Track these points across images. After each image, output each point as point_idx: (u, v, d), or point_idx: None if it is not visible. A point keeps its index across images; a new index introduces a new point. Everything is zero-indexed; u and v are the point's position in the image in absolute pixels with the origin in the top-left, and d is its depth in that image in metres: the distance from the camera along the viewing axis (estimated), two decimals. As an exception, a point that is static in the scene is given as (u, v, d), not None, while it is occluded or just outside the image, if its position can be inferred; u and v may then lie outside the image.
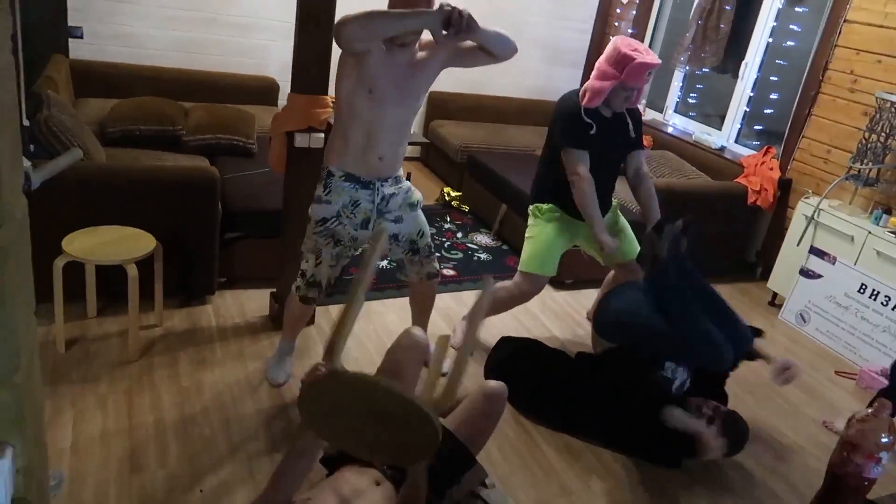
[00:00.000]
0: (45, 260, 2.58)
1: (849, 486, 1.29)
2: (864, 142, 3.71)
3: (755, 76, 4.72)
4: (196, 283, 3.14)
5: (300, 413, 1.53)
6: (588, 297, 3.82)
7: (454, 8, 2.12)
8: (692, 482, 2.55)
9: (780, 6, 4.53)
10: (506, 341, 2.93)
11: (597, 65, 2.78)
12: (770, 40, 4.62)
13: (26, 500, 0.96)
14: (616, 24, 5.78)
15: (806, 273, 3.85)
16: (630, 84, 2.70)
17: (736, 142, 4.88)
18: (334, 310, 3.25)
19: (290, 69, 2.69)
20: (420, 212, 2.65)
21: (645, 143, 5.20)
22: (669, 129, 5.24)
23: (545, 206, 2.94)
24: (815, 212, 3.88)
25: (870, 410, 1.27)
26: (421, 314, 2.91)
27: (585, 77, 6.06)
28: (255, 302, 3.25)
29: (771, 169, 4.33)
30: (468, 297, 3.71)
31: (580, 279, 3.91)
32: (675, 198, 4.06)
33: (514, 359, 2.86)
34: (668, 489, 2.50)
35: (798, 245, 3.99)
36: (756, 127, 4.87)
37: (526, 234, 3.00)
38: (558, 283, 3.94)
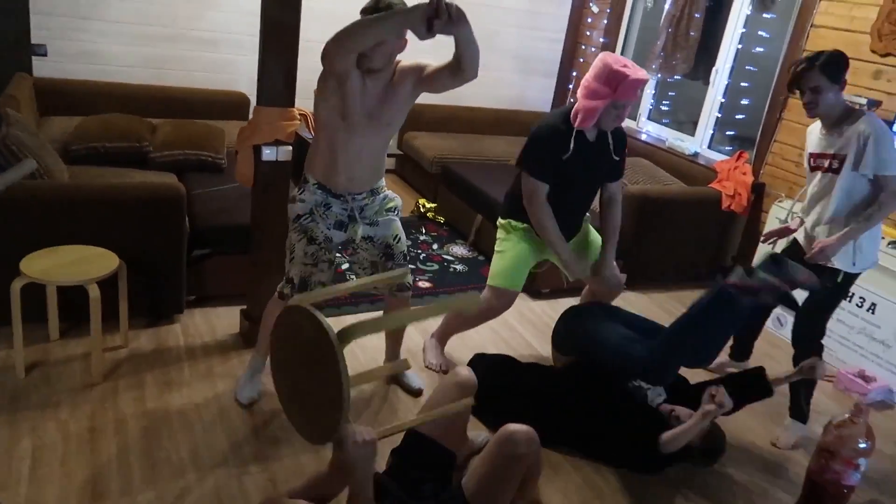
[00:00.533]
0: (3, 282, 2.49)
1: (828, 493, 1.25)
2: (834, 144, 3.73)
3: (726, 82, 4.75)
4: (163, 301, 3.06)
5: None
6: (565, 307, 3.78)
7: (441, 1, 2.01)
8: (672, 491, 2.51)
9: (749, 12, 4.56)
10: (480, 359, 2.87)
11: (584, 84, 2.66)
12: (739, 46, 4.66)
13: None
14: (587, 33, 5.81)
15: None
16: (622, 101, 2.61)
17: (709, 147, 4.90)
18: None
19: (257, 82, 2.65)
20: (397, 218, 2.62)
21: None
22: (643, 137, 5.25)
23: (521, 225, 2.86)
24: (788, 215, 3.88)
25: (847, 416, 1.23)
26: (393, 337, 2.87)
27: (559, 87, 6.13)
28: (225, 320, 3.17)
29: (744, 174, 4.34)
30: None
31: (557, 289, 3.87)
32: (651, 205, 4.07)
33: (489, 376, 2.80)
34: (647, 498, 2.46)
35: (772, 249, 3.99)
36: (728, 132, 4.89)
37: (496, 248, 2.94)
38: (535, 292, 3.91)
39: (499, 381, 2.74)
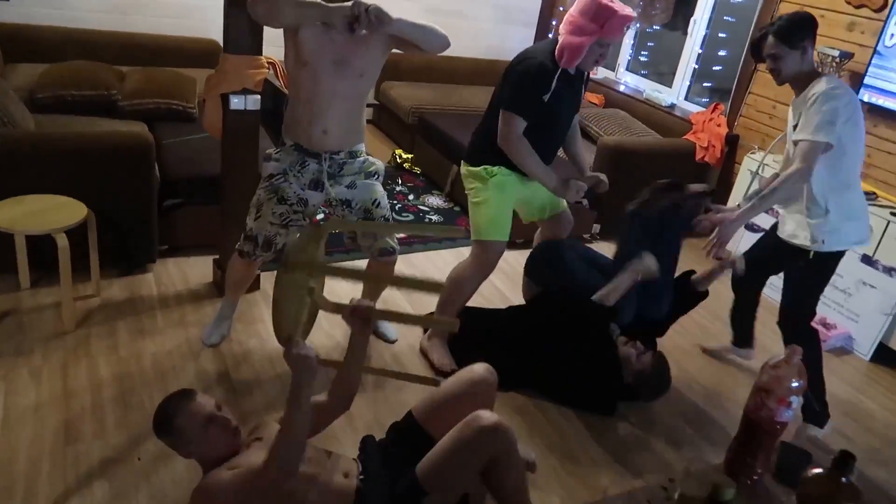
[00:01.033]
0: (-31, 231, 2.48)
1: (762, 429, 1.32)
2: (806, 96, 3.75)
3: (704, 33, 4.72)
4: (135, 251, 3.06)
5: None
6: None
7: (360, 6, 2.09)
8: (626, 432, 2.63)
9: (728, -39, 4.52)
10: (464, 312, 2.92)
11: (569, 20, 2.54)
12: (718, -4, 4.62)
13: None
14: (568, -19, 5.72)
15: (751, 227, 3.91)
16: (608, 39, 2.51)
17: (686, 99, 4.90)
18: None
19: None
20: (378, 183, 2.59)
21: (596, 101, 5.21)
22: (621, 88, 5.24)
23: (495, 168, 2.71)
24: (759, 167, 3.92)
25: (782, 357, 1.29)
26: (372, 291, 2.89)
27: (538, 37, 6.06)
28: (197, 269, 3.18)
29: (718, 125, 4.37)
30: (418, 261, 3.70)
31: (531, 239, 3.91)
32: (625, 156, 4.08)
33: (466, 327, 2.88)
34: (604, 438, 2.57)
35: (743, 200, 4.04)
36: (706, 84, 4.89)
37: (473, 199, 2.79)
38: (512, 243, 3.94)
39: (467, 329, 2.80)
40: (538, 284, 2.98)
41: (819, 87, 2.39)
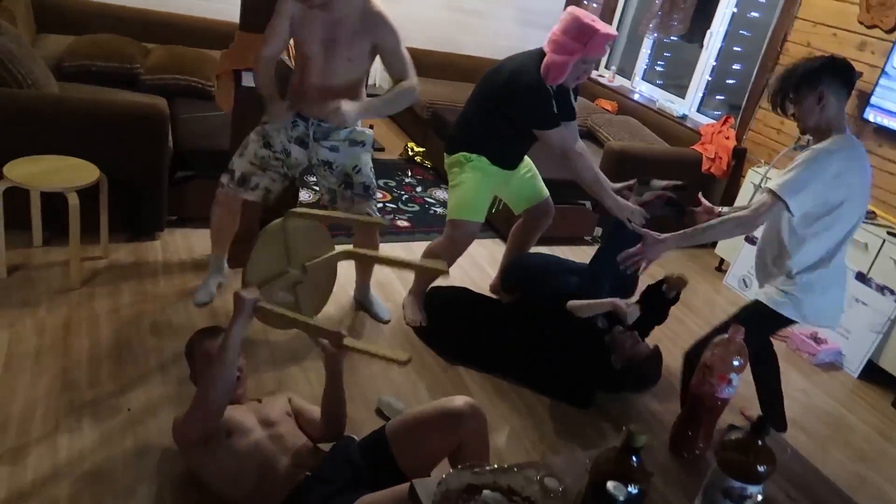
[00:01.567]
0: (-13, 185, 2.61)
1: (703, 404, 1.38)
2: (813, 113, 3.78)
3: (719, 45, 4.77)
4: (144, 219, 3.18)
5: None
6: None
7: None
8: (603, 421, 2.68)
9: (747, -24, 4.56)
10: (435, 292, 3.01)
11: (552, 38, 2.62)
12: (735, 10, 4.66)
13: None
14: (590, -12, 5.78)
15: (750, 240, 3.95)
16: (591, 57, 2.61)
17: (698, 111, 4.95)
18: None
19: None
20: (364, 151, 2.70)
21: (609, 107, 5.27)
22: (635, 96, 5.29)
23: (474, 156, 2.82)
24: (762, 180, 3.96)
25: (726, 336, 1.36)
26: (363, 268, 2.98)
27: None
28: (203, 241, 3.28)
29: (727, 138, 4.41)
30: (418, 249, 3.77)
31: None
32: (630, 160, 4.13)
33: (445, 307, 2.96)
34: (580, 426, 2.63)
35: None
36: (719, 97, 4.93)
37: (451, 184, 2.90)
38: (506, 237, 4.02)
39: (452, 312, 2.90)
40: (509, 293, 3.12)
41: (822, 144, 2.19)
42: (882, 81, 3.55)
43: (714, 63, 4.79)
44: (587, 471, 1.13)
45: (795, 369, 3.42)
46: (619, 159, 4.10)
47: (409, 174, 4.71)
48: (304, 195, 3.97)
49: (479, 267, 3.68)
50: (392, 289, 3.29)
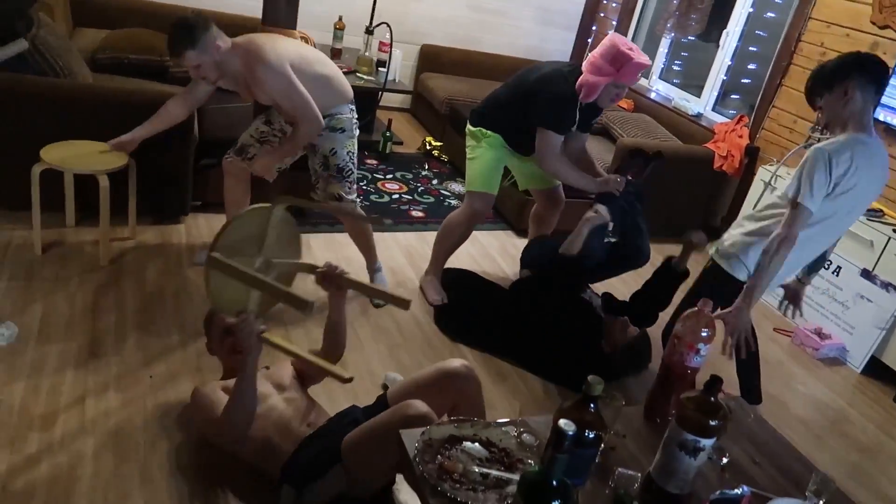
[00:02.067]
0: (25, 169, 2.79)
1: (674, 373, 1.48)
2: (823, 112, 3.83)
3: (735, 45, 4.82)
4: (170, 203, 3.35)
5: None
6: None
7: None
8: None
9: (764, -24, 4.61)
10: (446, 273, 3.15)
11: (590, 60, 2.79)
12: (751, 10, 4.71)
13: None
14: (610, -12, 5.86)
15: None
16: (622, 82, 2.76)
17: (713, 109, 5.00)
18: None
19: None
20: (339, 136, 2.85)
21: (625, 105, 5.34)
22: (652, 95, 5.35)
23: (490, 133, 3.03)
24: (772, 178, 4.02)
25: (696, 309, 1.46)
26: (356, 242, 3.14)
27: (578, 40, 6.21)
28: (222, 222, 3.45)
29: (740, 136, 4.46)
30: (431, 238, 3.89)
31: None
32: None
33: (454, 287, 3.09)
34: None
35: (753, 209, 4.13)
36: (734, 96, 4.98)
37: (468, 156, 3.13)
38: (521, 230, 4.13)
39: (460, 293, 3.03)
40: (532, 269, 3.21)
41: (830, 141, 2.20)
42: (893, 81, 3.59)
43: (730, 63, 4.84)
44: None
45: (798, 364, 3.48)
46: (630, 155, 4.17)
47: (426, 167, 4.84)
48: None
49: (489, 256, 3.80)
50: (404, 275, 3.41)
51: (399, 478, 1.74)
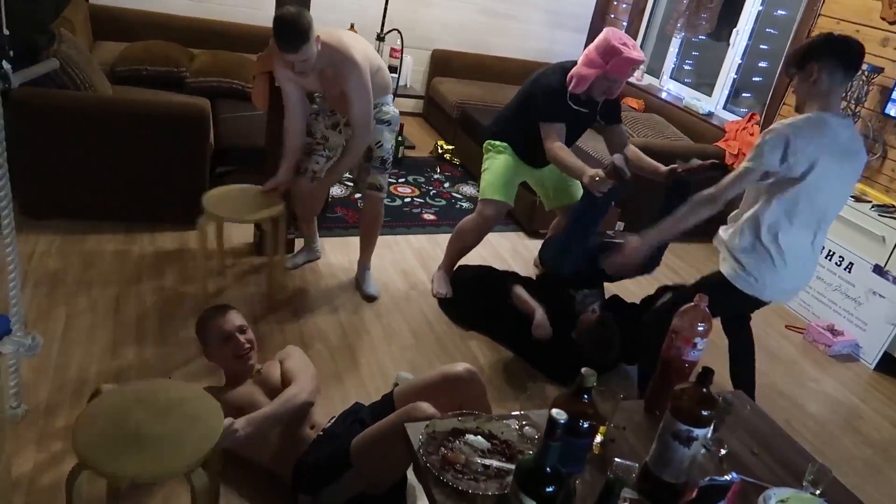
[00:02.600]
0: (50, 179, 2.89)
1: (672, 367, 1.52)
2: (833, 108, 3.83)
3: (746, 44, 4.82)
4: (187, 208, 3.42)
5: None
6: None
7: None
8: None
9: (773, -26, 4.61)
10: (462, 268, 3.28)
11: (585, 52, 2.87)
12: (761, 8, 4.71)
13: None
14: (620, -11, 5.88)
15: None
16: (612, 75, 2.79)
17: (724, 108, 5.00)
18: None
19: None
20: (386, 129, 2.97)
21: (636, 105, 5.36)
22: (663, 94, 5.37)
23: (500, 143, 3.14)
24: (782, 175, 4.01)
25: (692, 304, 1.49)
26: (365, 235, 3.21)
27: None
28: (241, 230, 3.54)
29: (751, 134, 4.46)
30: (443, 240, 3.95)
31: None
32: (650, 155, 4.22)
33: (470, 280, 3.21)
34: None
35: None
36: (745, 94, 4.98)
37: (483, 168, 3.21)
38: (532, 232, 4.17)
39: (475, 285, 3.14)
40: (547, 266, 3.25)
41: (790, 118, 2.22)
42: (903, 76, 3.58)
43: (740, 61, 4.85)
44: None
45: (811, 360, 3.48)
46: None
47: (438, 171, 4.89)
48: (336, 189, 4.19)
49: (500, 257, 3.84)
50: (416, 277, 3.47)
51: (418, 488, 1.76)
